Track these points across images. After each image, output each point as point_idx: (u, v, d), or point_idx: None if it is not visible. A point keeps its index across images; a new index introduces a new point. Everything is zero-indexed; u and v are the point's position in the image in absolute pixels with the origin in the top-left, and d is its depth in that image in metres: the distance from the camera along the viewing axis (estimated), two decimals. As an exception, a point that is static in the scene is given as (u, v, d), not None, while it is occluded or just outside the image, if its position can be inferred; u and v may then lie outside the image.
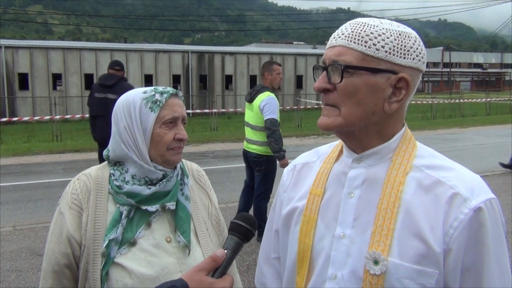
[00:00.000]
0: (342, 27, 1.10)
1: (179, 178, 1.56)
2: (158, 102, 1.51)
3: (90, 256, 1.45)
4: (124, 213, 1.46)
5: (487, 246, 1.00)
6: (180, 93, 1.60)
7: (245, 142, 5.75)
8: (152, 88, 1.56)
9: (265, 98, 5.36)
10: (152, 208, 1.48)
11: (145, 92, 1.53)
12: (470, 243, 1.00)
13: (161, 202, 1.49)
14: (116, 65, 7.00)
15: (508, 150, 12.58)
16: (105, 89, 6.33)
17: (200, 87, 35.42)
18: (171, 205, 1.50)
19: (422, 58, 1.09)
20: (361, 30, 1.05)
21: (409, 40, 1.06)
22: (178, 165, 1.58)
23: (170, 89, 1.56)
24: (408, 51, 1.06)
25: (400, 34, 1.06)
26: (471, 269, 1.00)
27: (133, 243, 1.45)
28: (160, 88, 1.55)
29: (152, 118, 1.50)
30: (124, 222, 1.46)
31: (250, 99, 5.57)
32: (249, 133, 5.65)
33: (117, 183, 1.50)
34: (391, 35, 1.05)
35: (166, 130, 1.51)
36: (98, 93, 6.43)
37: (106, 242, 1.43)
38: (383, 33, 1.04)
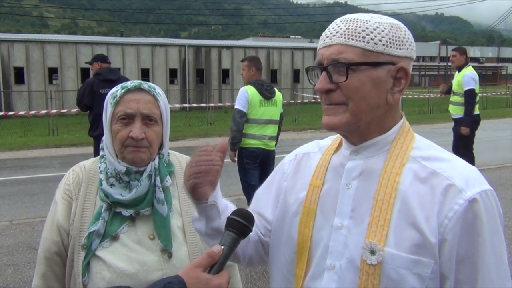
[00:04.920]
0: (334, 25, 1.10)
1: (152, 180, 1.50)
2: (115, 98, 1.48)
3: (75, 246, 1.47)
4: (104, 207, 1.47)
5: (482, 237, 1.01)
6: (146, 87, 1.50)
7: (263, 142, 5.40)
8: (126, 82, 1.53)
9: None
10: (126, 212, 1.47)
11: (116, 87, 1.52)
12: (464, 233, 1.01)
13: (135, 208, 1.47)
14: (108, 59, 6.84)
15: (504, 144, 12.62)
16: (110, 84, 6.05)
17: (197, 81, 35.32)
18: (145, 211, 1.48)
19: (414, 47, 1.12)
20: (356, 26, 1.06)
21: (401, 31, 1.09)
22: (150, 166, 1.50)
23: (133, 84, 1.50)
24: (401, 41, 1.08)
25: (392, 27, 1.08)
26: (466, 259, 1.01)
27: (115, 238, 1.46)
28: (128, 83, 1.51)
29: (109, 114, 1.48)
30: (105, 215, 1.46)
31: (273, 95, 5.47)
32: (273, 130, 5.48)
33: (101, 176, 1.50)
34: (385, 28, 1.07)
35: (120, 126, 1.47)
36: (103, 88, 6.18)
37: (86, 234, 1.44)
38: (377, 27, 1.06)
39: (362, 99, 1.06)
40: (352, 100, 1.07)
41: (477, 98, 7.44)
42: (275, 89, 5.62)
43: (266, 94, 5.37)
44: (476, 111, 7.41)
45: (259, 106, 5.34)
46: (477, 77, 7.29)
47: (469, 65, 7.46)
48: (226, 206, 1.24)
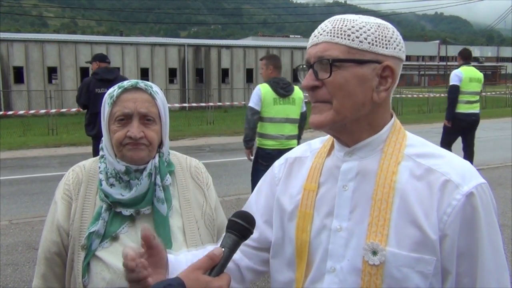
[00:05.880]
0: (322, 25, 1.12)
1: (152, 179, 1.49)
2: (112, 98, 1.47)
3: (75, 246, 1.46)
4: (104, 207, 1.46)
5: (480, 230, 1.02)
6: (143, 86, 1.49)
7: (280, 142, 5.24)
8: (123, 82, 1.52)
9: (301, 90, 5.41)
10: (126, 212, 1.46)
11: (113, 87, 1.51)
12: (464, 228, 1.02)
13: (135, 207, 1.46)
14: (107, 58, 6.84)
15: (504, 144, 12.62)
16: (107, 83, 6.08)
17: (197, 81, 35.31)
18: (145, 210, 1.48)
19: (402, 47, 1.12)
20: (342, 25, 1.08)
21: (388, 31, 1.10)
22: (150, 164, 1.49)
23: (130, 83, 1.49)
24: (388, 41, 1.09)
25: (379, 26, 1.09)
26: (465, 253, 1.02)
27: (115, 238, 1.45)
28: (125, 82, 1.50)
29: (106, 114, 1.48)
30: (105, 216, 1.45)
31: (289, 93, 5.29)
32: (290, 129, 5.32)
33: (101, 177, 1.49)
34: (371, 27, 1.08)
35: (118, 127, 1.46)
36: (99, 88, 6.20)
37: (86, 234, 1.44)
38: (363, 26, 1.08)
39: (346, 96, 1.07)
40: (336, 98, 1.07)
41: (467, 97, 7.59)
42: (295, 87, 5.40)
43: (282, 92, 5.23)
44: (463, 109, 7.59)
45: (273, 104, 5.22)
46: (464, 75, 7.52)
47: (469, 65, 7.68)
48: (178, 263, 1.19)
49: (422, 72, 73.16)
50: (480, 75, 7.70)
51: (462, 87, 7.47)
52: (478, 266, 1.02)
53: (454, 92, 7.52)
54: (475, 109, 7.67)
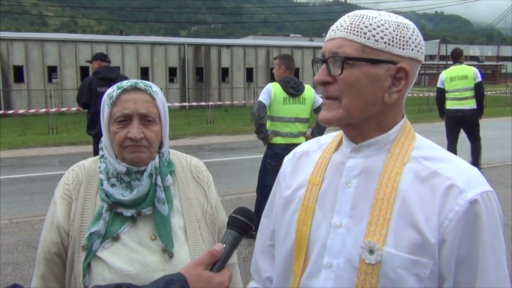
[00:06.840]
0: (341, 20, 1.10)
1: (153, 180, 1.48)
2: (111, 98, 1.46)
3: (75, 247, 1.45)
4: (105, 207, 1.45)
5: (483, 239, 1.00)
6: (143, 86, 1.48)
7: (290, 139, 5.25)
8: (122, 82, 1.51)
9: (312, 89, 5.46)
10: (127, 213, 1.45)
11: (112, 87, 1.50)
12: (465, 235, 1.00)
13: (136, 208, 1.46)
14: (107, 58, 6.84)
15: (504, 143, 12.63)
16: (108, 82, 6.08)
17: (197, 80, 35.30)
18: (147, 211, 1.47)
19: (421, 49, 1.09)
20: (359, 22, 1.06)
21: (408, 31, 1.07)
22: (151, 165, 1.48)
23: (129, 83, 1.48)
24: (406, 42, 1.06)
25: (398, 25, 1.06)
26: (465, 261, 1.00)
27: (116, 238, 1.44)
28: (124, 82, 1.49)
29: (106, 114, 1.47)
30: (106, 216, 1.44)
31: (299, 92, 5.31)
32: (300, 128, 5.34)
33: (102, 176, 1.49)
34: (389, 26, 1.05)
35: (118, 128, 1.44)
36: (101, 87, 6.22)
37: (87, 234, 1.43)
38: (381, 24, 1.05)
39: (355, 95, 1.06)
40: (345, 96, 1.06)
41: (452, 95, 7.91)
42: (306, 86, 5.43)
43: (292, 91, 5.26)
44: (449, 105, 7.99)
45: (282, 104, 5.26)
46: (444, 77, 8.02)
47: (455, 64, 8.00)
48: None
49: (422, 71, 73.14)
50: (466, 72, 7.82)
51: (445, 87, 7.96)
52: (477, 276, 1.00)
53: (437, 93, 8.32)
54: (464, 105, 7.81)
